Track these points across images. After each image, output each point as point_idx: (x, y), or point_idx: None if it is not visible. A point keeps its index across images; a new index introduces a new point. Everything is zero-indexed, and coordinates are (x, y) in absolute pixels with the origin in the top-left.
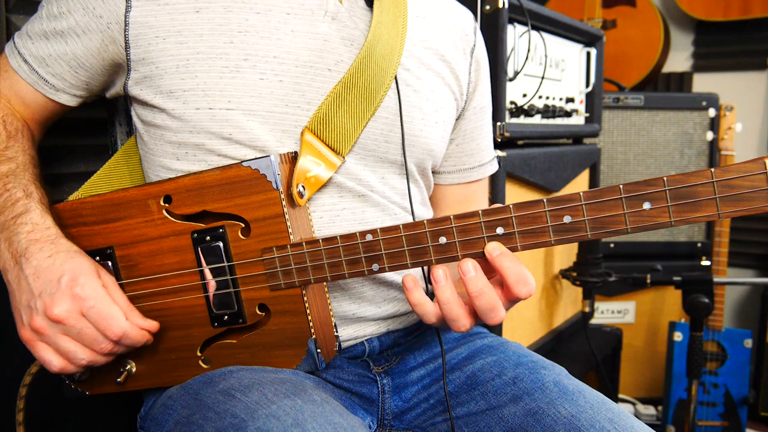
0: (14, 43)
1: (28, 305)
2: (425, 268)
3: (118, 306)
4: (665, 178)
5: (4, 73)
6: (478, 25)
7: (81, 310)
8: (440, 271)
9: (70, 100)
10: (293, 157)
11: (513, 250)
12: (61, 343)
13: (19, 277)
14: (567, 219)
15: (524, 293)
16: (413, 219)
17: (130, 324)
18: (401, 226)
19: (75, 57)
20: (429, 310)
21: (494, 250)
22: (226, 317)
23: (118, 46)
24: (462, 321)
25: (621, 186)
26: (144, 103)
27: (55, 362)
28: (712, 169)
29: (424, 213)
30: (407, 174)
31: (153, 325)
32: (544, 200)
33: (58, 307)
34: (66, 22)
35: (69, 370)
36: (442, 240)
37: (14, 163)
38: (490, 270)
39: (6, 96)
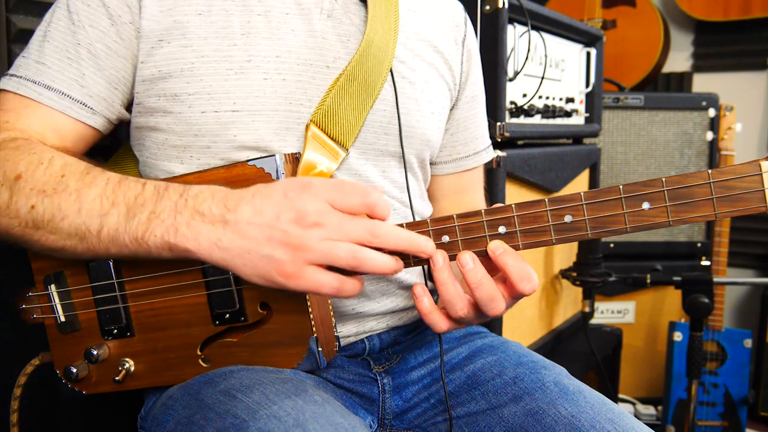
0: (18, 77)
1: (270, 241)
2: (426, 267)
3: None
4: (664, 179)
5: (23, 111)
6: (467, 16)
7: (327, 200)
8: (445, 274)
9: (104, 125)
10: (296, 158)
11: (515, 248)
12: (333, 251)
13: (232, 240)
14: (568, 218)
15: (528, 290)
16: (412, 212)
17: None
18: (404, 225)
19: (115, 70)
20: (438, 318)
21: (497, 248)
22: (227, 315)
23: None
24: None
25: (621, 186)
26: (146, 108)
27: (328, 282)
28: (709, 171)
29: (423, 207)
30: (405, 166)
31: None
32: (546, 200)
33: (308, 206)
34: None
35: (347, 289)
36: (445, 239)
37: (82, 165)
38: (493, 268)
39: (39, 134)
